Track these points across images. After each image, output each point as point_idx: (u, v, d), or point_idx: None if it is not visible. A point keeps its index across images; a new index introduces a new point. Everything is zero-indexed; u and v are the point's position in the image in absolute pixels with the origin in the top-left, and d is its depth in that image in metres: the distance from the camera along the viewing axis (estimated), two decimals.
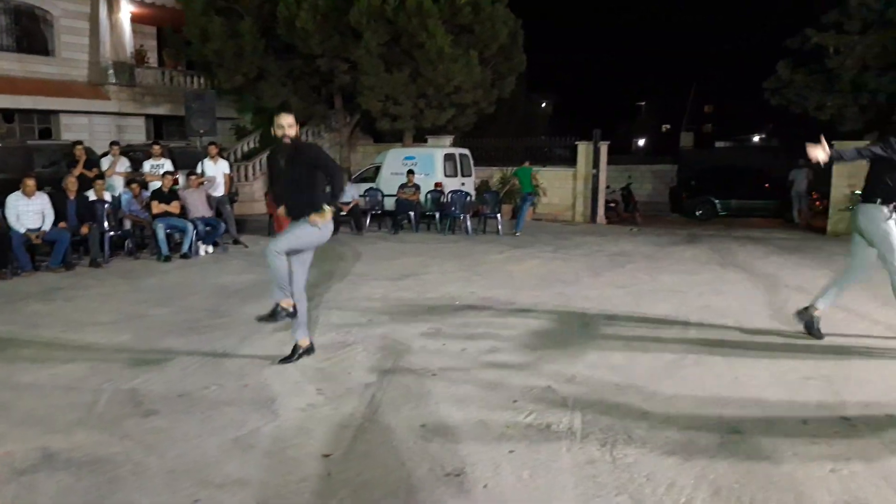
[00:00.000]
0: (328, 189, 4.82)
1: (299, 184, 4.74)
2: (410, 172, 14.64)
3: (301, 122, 19.57)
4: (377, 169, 16.28)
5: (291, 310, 4.84)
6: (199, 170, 11.22)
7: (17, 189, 8.86)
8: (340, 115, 19.81)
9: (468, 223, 13.53)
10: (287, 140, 4.66)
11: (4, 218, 8.73)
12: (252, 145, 21.14)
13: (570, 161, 17.16)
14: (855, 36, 14.49)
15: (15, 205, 8.74)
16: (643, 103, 61.04)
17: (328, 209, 4.69)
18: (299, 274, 4.89)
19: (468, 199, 14.33)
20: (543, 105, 41.31)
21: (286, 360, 4.97)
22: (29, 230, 8.73)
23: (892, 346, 5.40)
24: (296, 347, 5.04)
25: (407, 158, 15.84)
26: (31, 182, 8.87)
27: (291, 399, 4.21)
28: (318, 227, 4.69)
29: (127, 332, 5.90)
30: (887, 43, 14.17)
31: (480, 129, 19.76)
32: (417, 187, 14.44)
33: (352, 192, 13.79)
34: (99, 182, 10.09)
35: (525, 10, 18.67)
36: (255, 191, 18.37)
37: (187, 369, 4.84)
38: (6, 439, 3.62)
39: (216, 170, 11.43)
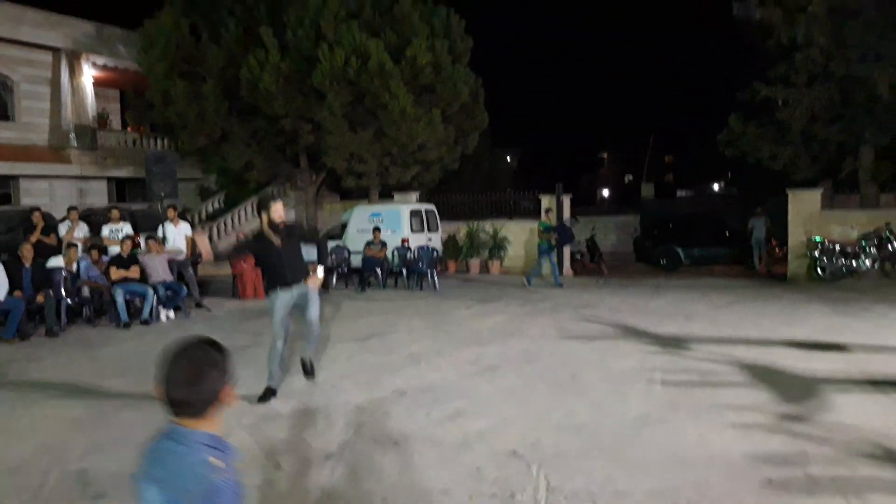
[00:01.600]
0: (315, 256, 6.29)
1: (294, 257, 5.82)
2: (377, 229, 14.65)
3: (265, 182, 19.82)
4: (344, 226, 16.26)
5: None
6: (159, 233, 11.07)
7: None
8: (306, 173, 19.88)
9: (435, 279, 13.52)
10: (281, 224, 5.79)
11: None
12: (217, 205, 21.06)
13: (537, 214, 17.38)
14: (802, 89, 15.09)
15: None
16: (605, 155, 62.62)
17: (320, 270, 5.92)
18: (314, 311, 5.95)
19: (435, 254, 14.36)
20: (508, 159, 42.09)
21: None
22: None
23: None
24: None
25: (373, 215, 15.87)
26: None
27: (248, 476, 4.06)
28: (315, 286, 5.85)
29: (81, 406, 5.69)
30: (833, 95, 14.79)
31: (446, 184, 19.99)
32: (384, 244, 14.44)
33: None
34: (72, 249, 9.88)
35: (486, 67, 19.22)
36: (221, 251, 18.16)
37: (143, 448, 4.65)
38: None
39: (177, 233, 11.27)
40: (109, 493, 3.86)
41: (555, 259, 14.19)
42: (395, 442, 4.58)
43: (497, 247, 17.04)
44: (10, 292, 8.83)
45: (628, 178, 56.13)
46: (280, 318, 5.79)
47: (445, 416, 5.16)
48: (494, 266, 16.83)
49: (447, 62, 17.26)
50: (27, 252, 9.27)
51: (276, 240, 5.71)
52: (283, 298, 5.77)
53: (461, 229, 17.62)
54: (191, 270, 11.31)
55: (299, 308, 5.89)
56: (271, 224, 5.74)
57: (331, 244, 14.93)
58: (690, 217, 19.62)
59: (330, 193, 21.63)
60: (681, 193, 37.99)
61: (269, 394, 5.77)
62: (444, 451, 4.40)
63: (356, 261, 14.69)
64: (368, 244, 14.37)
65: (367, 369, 6.71)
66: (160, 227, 11.28)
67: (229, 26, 17.63)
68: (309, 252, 6.10)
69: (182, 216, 11.91)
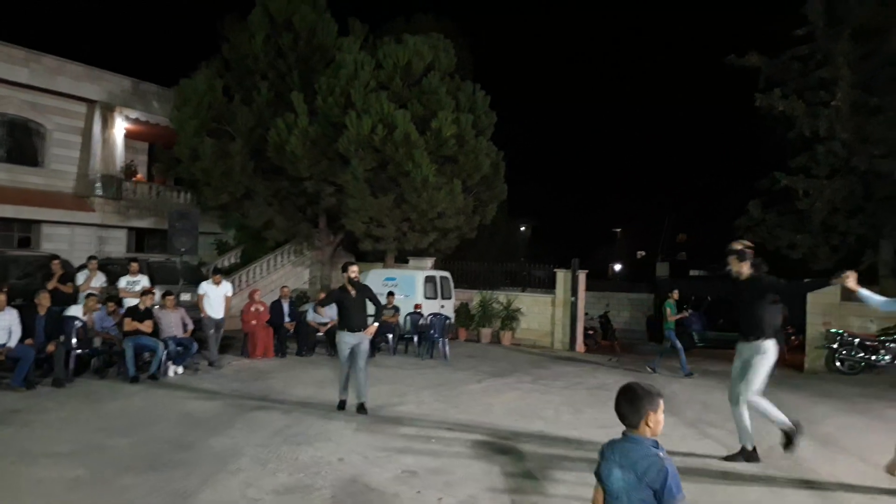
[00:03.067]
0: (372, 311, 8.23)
1: (362, 308, 7.92)
2: (391, 294, 14.63)
3: (284, 241, 19.97)
4: None
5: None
6: (200, 290, 11.33)
7: None
8: (324, 234, 20.05)
9: (446, 348, 13.36)
10: (356, 279, 7.96)
11: None
12: (233, 260, 21.19)
13: (549, 284, 17.37)
14: (823, 180, 15.18)
15: None
16: (619, 230, 62.77)
17: (375, 324, 8.36)
18: (362, 361, 7.84)
19: (447, 322, 14.26)
20: (522, 229, 42.29)
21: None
22: None
23: None
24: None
25: (388, 279, 15.88)
26: (1, 297, 8.67)
27: None
28: (369, 336, 7.96)
29: (82, 466, 5.55)
30: (854, 188, 14.84)
31: (461, 251, 20.05)
32: (397, 309, 14.37)
33: (330, 313, 13.65)
34: (92, 299, 9.90)
35: (506, 138, 19.54)
36: (233, 306, 18.13)
37: None
38: None
39: (219, 292, 11.37)
40: None
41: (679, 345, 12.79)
42: None
43: (509, 317, 16.92)
44: (22, 340, 8.80)
45: (640, 254, 56.03)
46: (345, 355, 7.83)
47: (460, 501, 4.97)
48: (506, 337, 16.66)
49: (471, 135, 17.60)
50: (44, 300, 9.29)
51: (353, 292, 7.87)
52: (347, 339, 7.79)
53: (474, 298, 17.55)
54: (212, 331, 11.21)
55: (353, 355, 7.77)
56: (350, 280, 7.87)
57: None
58: (705, 298, 19.45)
59: (346, 254, 21.72)
60: (694, 273, 37.81)
61: (341, 405, 7.97)
62: None
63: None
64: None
65: (376, 445, 6.53)
66: (202, 285, 11.41)
67: (261, 90, 18.18)
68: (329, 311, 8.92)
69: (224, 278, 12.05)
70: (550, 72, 58.48)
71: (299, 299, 17.44)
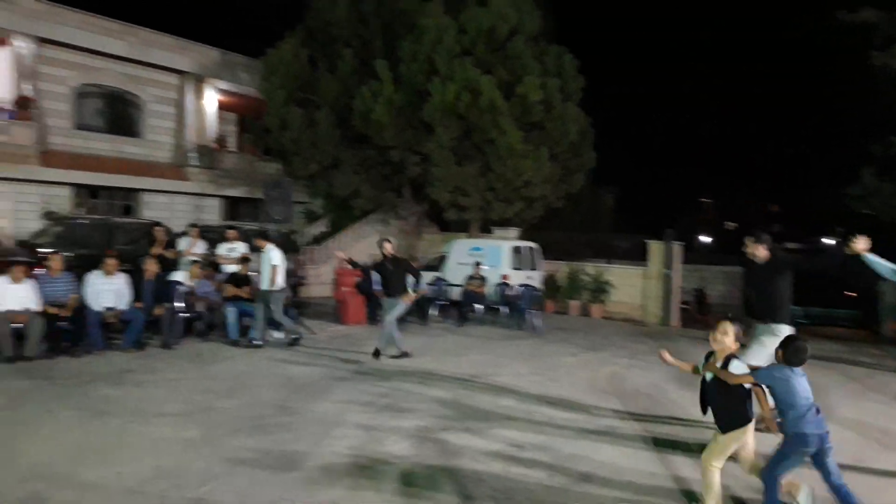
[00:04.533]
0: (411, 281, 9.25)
1: (400, 278, 9.12)
2: (478, 264, 14.47)
3: (370, 210, 20.13)
4: (443, 258, 16.20)
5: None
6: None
7: (99, 265, 9.03)
8: (409, 203, 20.07)
9: (536, 320, 13.12)
10: (391, 253, 9.17)
11: (83, 295, 8.83)
12: (322, 229, 21.59)
13: (634, 256, 16.82)
14: None
15: (94, 283, 8.87)
16: (707, 200, 60.18)
17: (412, 293, 9.29)
18: (389, 316, 9.04)
19: (536, 293, 14.00)
20: (606, 198, 41.13)
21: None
22: (106, 309, 8.80)
23: None
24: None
25: (473, 249, 15.73)
26: (111, 262, 9.03)
27: None
28: (406, 303, 9.11)
29: (194, 426, 5.69)
30: None
31: (545, 221, 19.64)
32: (484, 279, 14.22)
33: (421, 284, 13.65)
34: (196, 265, 10.19)
35: (594, 105, 18.87)
36: (322, 274, 18.51)
37: (255, 479, 4.55)
38: None
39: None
40: None
41: None
42: None
43: (599, 290, 16.48)
44: (131, 303, 9.15)
45: (730, 225, 53.60)
46: (392, 315, 9.00)
47: (572, 479, 4.79)
48: (595, 309, 16.24)
49: (558, 100, 17.07)
50: (151, 265, 9.62)
51: (390, 266, 9.05)
52: (388, 303, 9.09)
53: (560, 269, 17.19)
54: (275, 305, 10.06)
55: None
56: (385, 255, 9.08)
57: (429, 275, 14.85)
58: (806, 273, 18.35)
59: (430, 224, 21.72)
60: (790, 245, 35.87)
61: (403, 356, 9.11)
62: None
63: (453, 293, 14.53)
64: (469, 278, 14.19)
65: (477, 416, 6.42)
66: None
67: (345, 58, 18.17)
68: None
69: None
70: (640, 32, 56.16)
71: None
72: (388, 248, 9.07)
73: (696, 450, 5.15)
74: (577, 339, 12.19)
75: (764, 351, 5.86)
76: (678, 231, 16.51)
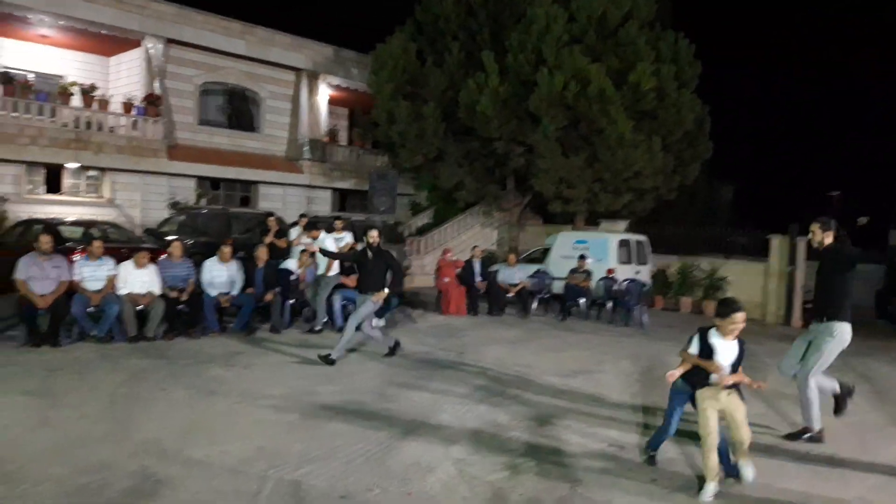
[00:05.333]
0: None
1: (378, 272, 8.11)
2: (582, 258, 14.08)
3: (473, 202, 20.12)
4: (545, 251, 15.91)
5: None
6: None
7: (215, 253, 9.50)
8: (512, 195, 19.87)
9: (644, 316, 12.59)
10: (375, 244, 8.15)
11: (199, 281, 9.32)
12: (426, 220, 21.83)
13: (753, 252, 15.80)
14: None
15: (210, 269, 9.34)
16: (836, 193, 55.93)
17: (385, 291, 8.17)
18: (353, 320, 7.97)
19: (644, 288, 13.44)
20: (724, 191, 39.07)
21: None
22: (220, 294, 9.25)
23: None
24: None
25: (578, 242, 15.34)
26: (227, 250, 9.47)
27: None
28: (376, 302, 8.04)
29: (296, 410, 5.83)
30: None
31: (657, 214, 18.85)
32: (588, 273, 13.81)
33: (519, 275, 13.48)
34: (305, 254, 10.56)
35: (712, 93, 17.88)
36: (426, 264, 18.69)
37: (351, 463, 4.58)
38: None
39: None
40: None
41: None
42: None
43: (713, 286, 15.62)
44: (243, 289, 9.57)
45: (862, 220, 49.62)
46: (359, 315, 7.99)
47: (673, 486, 4.49)
48: (710, 307, 15.39)
49: (672, 88, 16.30)
50: (262, 254, 10.02)
51: (371, 257, 8.12)
52: (358, 299, 8.21)
53: (672, 264, 16.44)
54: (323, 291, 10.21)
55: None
56: (369, 245, 8.13)
57: (531, 268, 14.61)
58: None
59: (533, 216, 21.43)
60: None
61: (327, 361, 7.68)
62: None
63: (556, 287, 14.20)
64: (572, 272, 13.83)
65: (576, 411, 6.19)
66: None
67: (453, 51, 18.19)
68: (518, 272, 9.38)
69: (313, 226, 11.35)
70: (763, 13, 52.74)
71: (489, 259, 17.48)
72: (374, 236, 8.16)
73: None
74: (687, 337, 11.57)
75: (828, 353, 5.39)
76: (803, 226, 15.33)
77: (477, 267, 13.29)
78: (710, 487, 4.19)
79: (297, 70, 21.59)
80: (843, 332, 5.35)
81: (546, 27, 16.29)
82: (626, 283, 13.44)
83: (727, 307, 4.46)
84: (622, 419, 6.04)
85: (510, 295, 13.03)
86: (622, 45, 16.25)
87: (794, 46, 48.92)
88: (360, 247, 11.31)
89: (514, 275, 13.36)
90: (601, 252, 14.80)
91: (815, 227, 5.49)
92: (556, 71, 15.87)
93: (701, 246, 17.23)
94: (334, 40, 22.31)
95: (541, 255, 15.86)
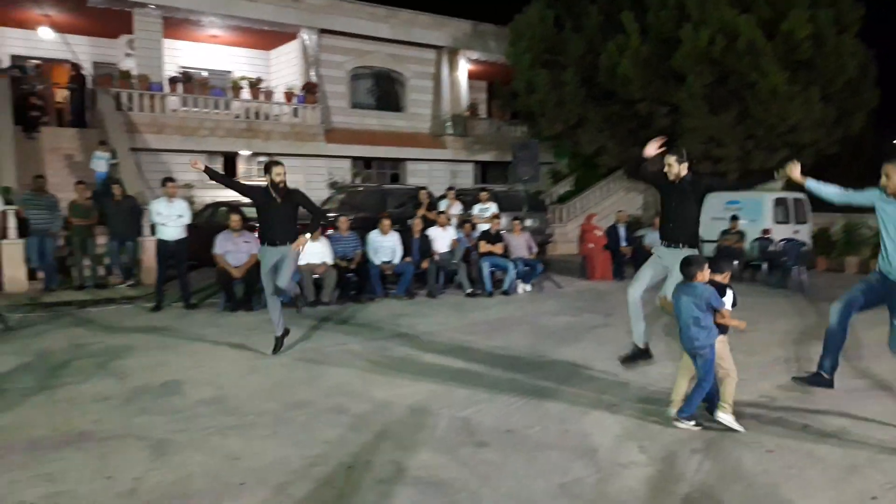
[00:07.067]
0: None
1: (289, 218, 6.52)
2: (734, 218, 13.67)
3: (616, 166, 19.95)
4: None
5: None
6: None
7: (375, 227, 10.42)
8: (657, 157, 19.43)
9: (804, 277, 12.09)
10: (282, 186, 6.46)
11: (365, 251, 10.29)
12: (567, 188, 21.92)
13: None
14: None
15: (373, 241, 10.28)
16: None
17: (306, 237, 6.53)
18: (281, 281, 6.44)
19: (803, 248, 12.87)
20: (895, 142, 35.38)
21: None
22: (383, 263, 10.17)
23: None
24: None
25: (730, 203, 14.83)
26: (387, 222, 10.37)
27: (613, 453, 4.19)
28: (297, 251, 6.49)
29: (460, 360, 6.49)
30: None
31: (817, 169, 17.63)
32: (742, 234, 13.42)
33: (653, 237, 13.37)
34: (468, 225, 11.41)
35: (879, 37, 16.42)
36: (569, 231, 18.90)
37: (512, 406, 5.12)
38: (365, 450, 4.22)
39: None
40: (491, 444, 4.33)
41: None
42: (769, 450, 4.26)
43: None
44: (402, 258, 10.43)
45: None
46: (265, 272, 6.49)
47: (828, 431, 4.62)
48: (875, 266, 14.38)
49: (831, 33, 15.21)
50: (417, 225, 10.83)
51: (276, 199, 6.43)
52: (268, 254, 6.49)
53: (837, 222, 15.46)
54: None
55: (276, 269, 6.44)
56: (273, 184, 6.43)
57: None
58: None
59: None
60: None
61: (278, 343, 6.64)
62: (835, 482, 3.95)
63: (706, 250, 13.89)
64: (724, 233, 13.50)
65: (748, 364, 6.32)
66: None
67: (591, 14, 18.03)
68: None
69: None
70: None
71: (634, 224, 17.35)
72: (278, 172, 6.38)
73: None
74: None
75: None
76: None
77: (622, 231, 13.35)
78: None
79: (437, 48, 22.35)
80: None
81: None
82: (782, 243, 12.93)
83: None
84: (774, 376, 6.12)
85: (626, 257, 13.00)
86: None
87: None
88: (504, 217, 11.86)
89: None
90: (755, 212, 14.28)
91: (671, 159, 5.48)
92: (701, 26, 15.35)
93: None
94: (472, 15, 22.83)
95: None
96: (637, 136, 19.10)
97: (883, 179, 4.73)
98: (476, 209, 12.43)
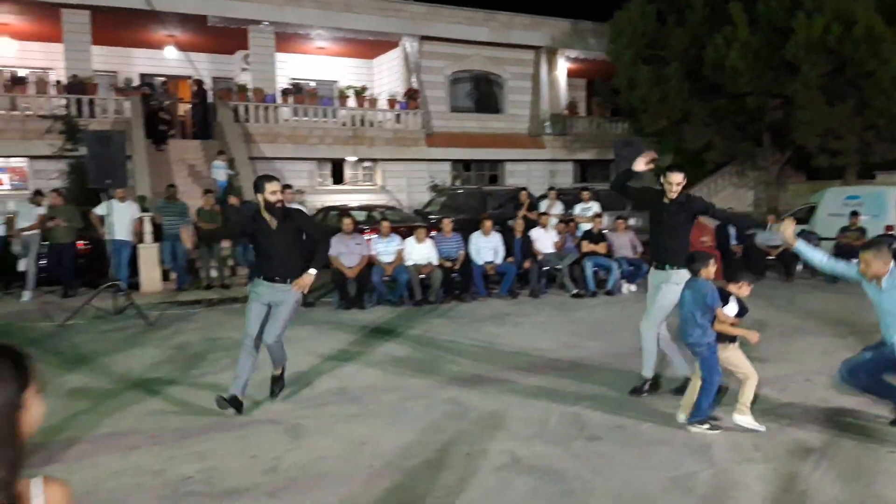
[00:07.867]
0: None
1: (289, 246, 5.14)
2: (854, 214, 12.94)
3: (724, 162, 19.30)
4: (811, 209, 14.82)
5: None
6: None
7: (476, 228, 10.68)
8: (768, 152, 18.66)
9: None
10: (279, 203, 5.05)
11: (468, 252, 10.57)
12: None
13: None
14: None
15: (476, 241, 10.54)
16: None
17: (311, 272, 5.08)
18: (276, 328, 5.10)
19: None
20: None
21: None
22: (486, 263, 10.42)
23: None
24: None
25: (849, 198, 14.03)
26: (488, 223, 10.61)
27: (727, 450, 4.21)
28: (298, 292, 5.12)
29: (566, 358, 6.64)
30: None
31: None
32: (863, 231, 12.68)
33: (767, 235, 12.86)
34: (562, 225, 11.49)
35: None
36: None
37: (622, 403, 5.22)
38: (481, 439, 4.46)
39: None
40: (603, 438, 4.46)
41: None
42: (891, 451, 4.15)
43: None
44: (504, 258, 10.63)
45: None
46: (251, 316, 5.10)
47: None
48: None
49: None
50: (518, 226, 11.01)
51: (273, 222, 5.06)
52: (262, 292, 5.09)
53: None
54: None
55: (266, 315, 5.08)
56: (267, 205, 5.01)
57: (797, 228, 13.75)
58: None
59: (795, 173, 19.90)
60: None
61: (225, 404, 4.95)
62: None
63: (826, 248, 13.23)
64: (843, 230, 12.81)
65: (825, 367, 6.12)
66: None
67: (695, 7, 17.56)
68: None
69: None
70: None
71: None
72: (273, 190, 5.00)
73: None
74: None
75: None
76: None
77: (732, 230, 12.94)
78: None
79: (535, 48, 22.40)
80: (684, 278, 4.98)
81: None
82: None
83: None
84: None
85: (771, 257, 12.53)
86: None
87: None
88: (607, 216, 11.79)
89: (775, 236, 12.78)
90: (878, 207, 13.43)
91: (677, 177, 5.36)
92: (816, 13, 14.65)
93: None
94: (571, 14, 22.73)
95: (805, 215, 14.82)
96: (745, 131, 18.46)
97: (861, 266, 4.54)
98: (578, 208, 12.44)
